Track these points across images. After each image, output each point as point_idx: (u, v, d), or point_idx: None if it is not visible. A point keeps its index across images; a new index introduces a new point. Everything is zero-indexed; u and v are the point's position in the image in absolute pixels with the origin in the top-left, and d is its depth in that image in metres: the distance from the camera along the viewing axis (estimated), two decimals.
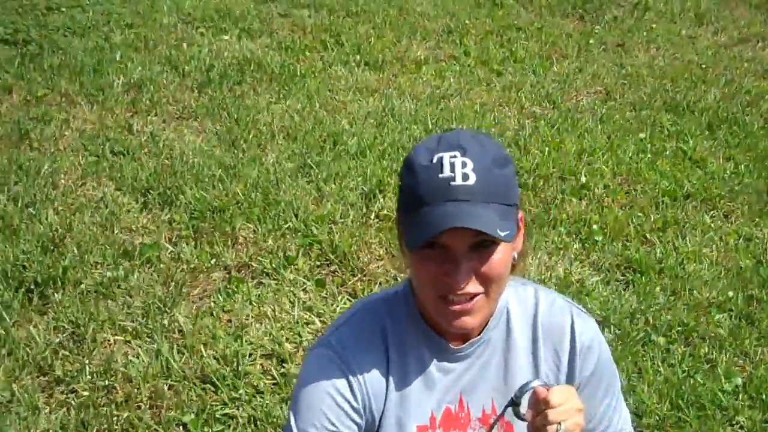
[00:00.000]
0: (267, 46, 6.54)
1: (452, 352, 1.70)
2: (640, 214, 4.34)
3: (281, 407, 3.05)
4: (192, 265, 3.88)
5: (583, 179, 4.59)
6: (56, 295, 3.64)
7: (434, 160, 1.50)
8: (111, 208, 4.30)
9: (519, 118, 5.29)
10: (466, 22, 7.09)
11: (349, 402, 1.66)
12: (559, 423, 1.51)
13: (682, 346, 3.43)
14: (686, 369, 3.28)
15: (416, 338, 1.71)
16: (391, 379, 1.69)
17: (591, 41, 6.72)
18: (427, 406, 1.70)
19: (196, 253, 3.95)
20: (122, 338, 3.43)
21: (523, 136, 5.10)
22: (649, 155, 4.91)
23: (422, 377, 1.70)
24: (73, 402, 3.11)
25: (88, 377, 3.20)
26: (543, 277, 3.77)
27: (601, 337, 1.81)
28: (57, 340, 3.41)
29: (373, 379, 1.68)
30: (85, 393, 3.15)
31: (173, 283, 3.73)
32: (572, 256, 3.96)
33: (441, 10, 7.49)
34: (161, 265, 3.88)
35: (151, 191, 4.46)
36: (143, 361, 3.29)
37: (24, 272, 3.76)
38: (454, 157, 1.50)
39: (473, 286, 1.53)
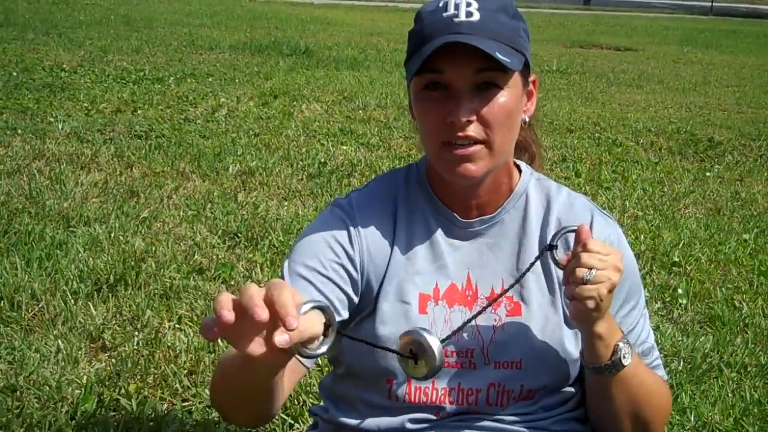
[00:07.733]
0: (382, 156, 6.69)
1: (461, 225, 1.67)
2: (730, 285, 4.11)
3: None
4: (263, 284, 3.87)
5: (676, 258, 4.41)
6: (124, 291, 3.70)
7: (440, 4, 1.54)
8: (197, 242, 4.39)
9: (620, 218, 5.17)
10: (583, 154, 7.11)
11: (345, 250, 1.64)
12: (590, 269, 1.43)
13: (758, 381, 3.16)
14: (758, 397, 3.01)
15: (425, 207, 1.69)
16: (396, 242, 1.66)
17: (708, 174, 6.60)
18: (432, 277, 1.65)
19: (269, 274, 3.96)
20: (178, 326, 3.43)
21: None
22: (750, 249, 4.69)
23: (429, 247, 1.67)
24: (113, 360, 3.11)
25: (134, 347, 3.20)
26: None
27: (626, 242, 1.74)
28: (114, 321, 3.44)
29: (376, 238, 1.66)
30: (125, 350, 3.14)
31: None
32: (652, 312, 3.76)
33: (557, 142, 7.55)
34: (232, 282, 3.90)
35: (239, 235, 4.54)
36: (191, 339, 3.27)
37: (99, 274, 3.84)
38: None
39: (475, 130, 1.52)
